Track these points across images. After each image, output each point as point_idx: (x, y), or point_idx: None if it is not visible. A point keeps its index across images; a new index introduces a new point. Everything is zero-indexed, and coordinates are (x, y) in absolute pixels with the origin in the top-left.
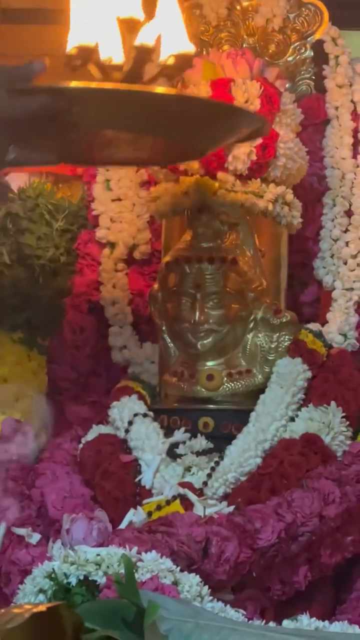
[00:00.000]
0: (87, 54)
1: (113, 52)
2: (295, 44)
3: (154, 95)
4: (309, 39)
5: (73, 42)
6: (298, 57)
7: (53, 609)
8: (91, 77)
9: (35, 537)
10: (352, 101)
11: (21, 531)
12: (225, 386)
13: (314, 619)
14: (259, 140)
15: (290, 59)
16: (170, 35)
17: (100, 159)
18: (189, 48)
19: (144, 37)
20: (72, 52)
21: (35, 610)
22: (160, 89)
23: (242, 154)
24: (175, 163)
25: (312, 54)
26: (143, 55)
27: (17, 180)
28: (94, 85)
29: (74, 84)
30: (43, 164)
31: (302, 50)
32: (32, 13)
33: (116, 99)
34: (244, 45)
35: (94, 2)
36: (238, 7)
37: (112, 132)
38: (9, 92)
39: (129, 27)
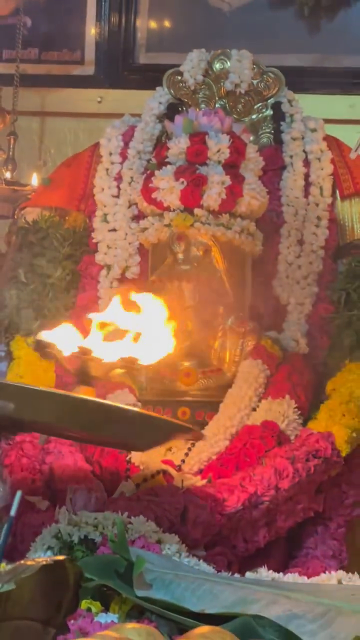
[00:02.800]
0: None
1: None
2: (258, 105)
3: (86, 402)
4: (269, 101)
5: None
6: (260, 115)
7: (59, 562)
8: None
9: (44, 504)
10: (304, 151)
11: (33, 499)
12: (199, 382)
13: (271, 571)
14: (229, 182)
15: (254, 116)
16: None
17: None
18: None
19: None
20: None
21: (44, 562)
22: (90, 398)
23: (214, 194)
24: (127, 450)
25: (271, 112)
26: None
27: (32, 213)
28: (28, 386)
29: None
30: None
31: (264, 110)
32: (44, 78)
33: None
34: (217, 105)
35: None
36: (212, 74)
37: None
38: None
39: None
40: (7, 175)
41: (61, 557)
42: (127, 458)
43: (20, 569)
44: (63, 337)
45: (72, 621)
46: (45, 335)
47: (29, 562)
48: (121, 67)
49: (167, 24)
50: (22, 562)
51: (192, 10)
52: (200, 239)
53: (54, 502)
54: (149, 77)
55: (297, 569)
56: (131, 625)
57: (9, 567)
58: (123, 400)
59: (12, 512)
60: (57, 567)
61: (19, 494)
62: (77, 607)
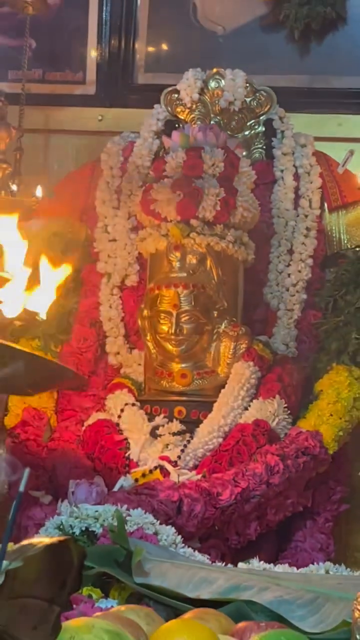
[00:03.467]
0: None
1: None
2: (251, 122)
3: None
4: (261, 118)
5: None
6: (253, 131)
7: (64, 542)
8: None
9: (47, 498)
10: (294, 166)
11: (37, 493)
12: (194, 382)
13: (262, 562)
14: (223, 194)
15: (247, 133)
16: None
17: None
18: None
19: None
20: None
21: (49, 542)
22: None
23: (209, 206)
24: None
25: (263, 129)
26: None
27: (36, 224)
28: None
29: None
30: None
31: (256, 126)
32: (48, 97)
33: None
34: (212, 122)
35: None
36: (207, 93)
37: None
38: None
39: None
40: (14, 187)
41: (66, 537)
42: (126, 455)
43: (26, 548)
44: None
45: (74, 606)
46: None
47: (34, 542)
48: (121, 87)
49: (164, 46)
50: (28, 542)
51: (188, 33)
52: (196, 248)
53: (56, 496)
54: (147, 96)
55: (286, 561)
56: (131, 607)
57: (16, 546)
58: (123, 400)
59: (21, 488)
60: (61, 547)
61: (26, 471)
62: (80, 586)
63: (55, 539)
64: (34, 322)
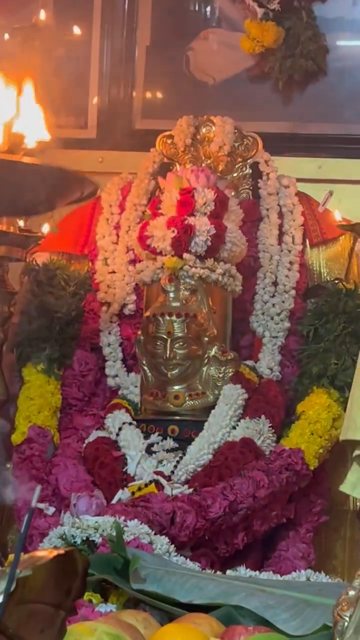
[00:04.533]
0: None
1: None
2: (239, 164)
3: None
4: (248, 161)
5: None
6: (240, 173)
7: (69, 553)
8: None
9: (51, 510)
10: (278, 205)
11: (41, 505)
12: (186, 403)
13: (249, 569)
14: (213, 231)
15: (235, 174)
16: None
17: None
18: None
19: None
20: None
21: (56, 552)
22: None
23: (200, 241)
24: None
25: (250, 171)
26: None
27: (42, 257)
28: None
29: None
30: None
31: (244, 169)
32: (53, 140)
33: None
34: (203, 164)
35: None
36: (199, 137)
37: None
38: None
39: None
40: (21, 223)
41: (72, 548)
42: (124, 470)
43: (35, 558)
44: None
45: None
46: None
47: (42, 553)
48: (120, 132)
49: (159, 95)
50: (36, 552)
51: (181, 83)
52: (189, 280)
53: (59, 508)
54: (144, 140)
55: (271, 568)
56: (129, 612)
57: (26, 556)
58: (121, 419)
59: (33, 504)
60: (67, 557)
61: (38, 487)
62: (84, 593)
63: (61, 550)
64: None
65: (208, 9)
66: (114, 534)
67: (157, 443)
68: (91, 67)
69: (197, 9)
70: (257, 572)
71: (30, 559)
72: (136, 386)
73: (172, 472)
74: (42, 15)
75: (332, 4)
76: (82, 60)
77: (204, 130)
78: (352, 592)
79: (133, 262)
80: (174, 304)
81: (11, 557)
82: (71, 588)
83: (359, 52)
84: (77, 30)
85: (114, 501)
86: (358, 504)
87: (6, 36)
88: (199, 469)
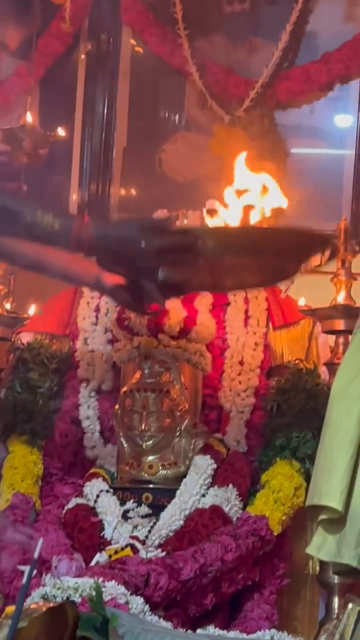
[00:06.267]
0: None
1: None
2: None
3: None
4: None
5: None
6: None
7: (62, 605)
8: None
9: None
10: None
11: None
12: (160, 473)
13: (217, 629)
14: (185, 314)
15: None
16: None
17: (222, 285)
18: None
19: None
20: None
21: (50, 605)
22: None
23: (174, 324)
24: (274, 284)
25: None
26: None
27: (27, 336)
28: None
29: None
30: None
31: None
32: None
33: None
34: None
35: None
36: None
37: (229, 259)
38: (153, 234)
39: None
40: (7, 305)
41: (64, 602)
42: (101, 534)
43: (30, 611)
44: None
45: None
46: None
47: (36, 606)
48: None
49: (134, 191)
50: (31, 605)
51: (154, 181)
52: (163, 358)
53: (40, 570)
54: None
55: (238, 628)
56: None
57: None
58: (98, 487)
59: (35, 555)
60: (60, 609)
61: (40, 540)
62: None
63: (54, 603)
64: None
65: (177, 116)
66: (94, 594)
67: (133, 509)
68: (72, 164)
69: (167, 116)
70: (225, 631)
71: (25, 611)
72: (113, 456)
73: (147, 536)
74: (29, 117)
75: (292, 112)
76: (64, 159)
77: (177, 223)
78: None
79: (111, 341)
80: (149, 380)
81: (8, 609)
82: (62, 638)
83: (315, 157)
84: (60, 131)
85: (92, 564)
86: (317, 568)
87: None
88: (171, 534)
